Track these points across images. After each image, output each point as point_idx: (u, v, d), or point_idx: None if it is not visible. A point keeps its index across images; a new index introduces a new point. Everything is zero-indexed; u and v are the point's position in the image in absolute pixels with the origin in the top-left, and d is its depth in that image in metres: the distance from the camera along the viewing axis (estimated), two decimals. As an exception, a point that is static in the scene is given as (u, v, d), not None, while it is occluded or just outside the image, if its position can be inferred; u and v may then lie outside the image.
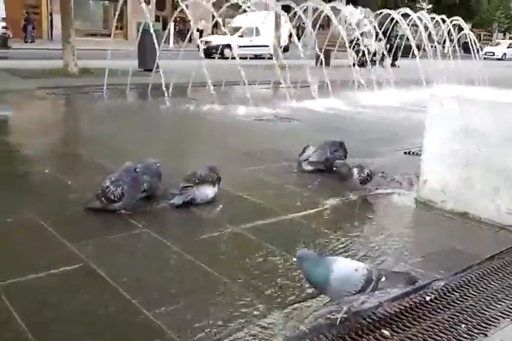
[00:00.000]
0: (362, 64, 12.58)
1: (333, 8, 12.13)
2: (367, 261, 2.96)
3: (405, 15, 14.03)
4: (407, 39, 13.82)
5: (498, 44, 21.06)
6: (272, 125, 7.63)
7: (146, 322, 2.29)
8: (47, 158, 5.23)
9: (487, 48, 20.23)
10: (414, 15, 14.29)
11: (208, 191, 3.83)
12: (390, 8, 33.47)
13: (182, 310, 2.40)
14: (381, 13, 13.97)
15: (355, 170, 4.08)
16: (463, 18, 15.73)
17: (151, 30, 9.47)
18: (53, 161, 5.11)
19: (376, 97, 11.12)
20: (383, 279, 2.28)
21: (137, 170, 3.53)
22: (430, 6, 45.02)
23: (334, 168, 4.17)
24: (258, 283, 2.68)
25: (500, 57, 19.51)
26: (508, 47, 19.76)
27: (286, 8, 11.66)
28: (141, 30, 10.10)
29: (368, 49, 12.11)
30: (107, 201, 3.47)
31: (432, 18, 14.90)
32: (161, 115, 8.40)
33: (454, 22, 15.22)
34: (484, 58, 17.19)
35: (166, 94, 8.91)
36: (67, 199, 3.86)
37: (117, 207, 3.50)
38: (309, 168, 4.81)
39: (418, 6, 42.56)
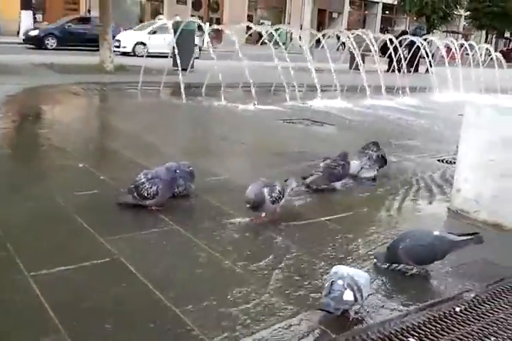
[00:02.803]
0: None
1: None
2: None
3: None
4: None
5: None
6: (304, 127, 7.61)
7: (174, 319, 2.31)
8: (81, 152, 5.31)
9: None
10: (439, 43, 14.26)
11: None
12: (426, 15, 32.71)
13: (210, 308, 2.41)
14: (405, 39, 13.85)
15: (266, 190, 3.41)
16: (503, 26, 15.88)
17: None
18: (87, 156, 5.19)
19: (410, 102, 11.04)
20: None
21: (177, 171, 3.56)
22: (468, 13, 44.26)
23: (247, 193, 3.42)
24: (286, 284, 2.68)
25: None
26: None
27: None
28: (179, 30, 10.14)
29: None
30: (139, 197, 3.51)
31: (461, 45, 14.91)
32: (193, 114, 8.46)
33: (483, 47, 15.54)
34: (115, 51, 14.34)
35: (198, 94, 8.95)
36: (100, 193, 3.92)
37: (148, 204, 3.54)
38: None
39: (456, 12, 41.90)
